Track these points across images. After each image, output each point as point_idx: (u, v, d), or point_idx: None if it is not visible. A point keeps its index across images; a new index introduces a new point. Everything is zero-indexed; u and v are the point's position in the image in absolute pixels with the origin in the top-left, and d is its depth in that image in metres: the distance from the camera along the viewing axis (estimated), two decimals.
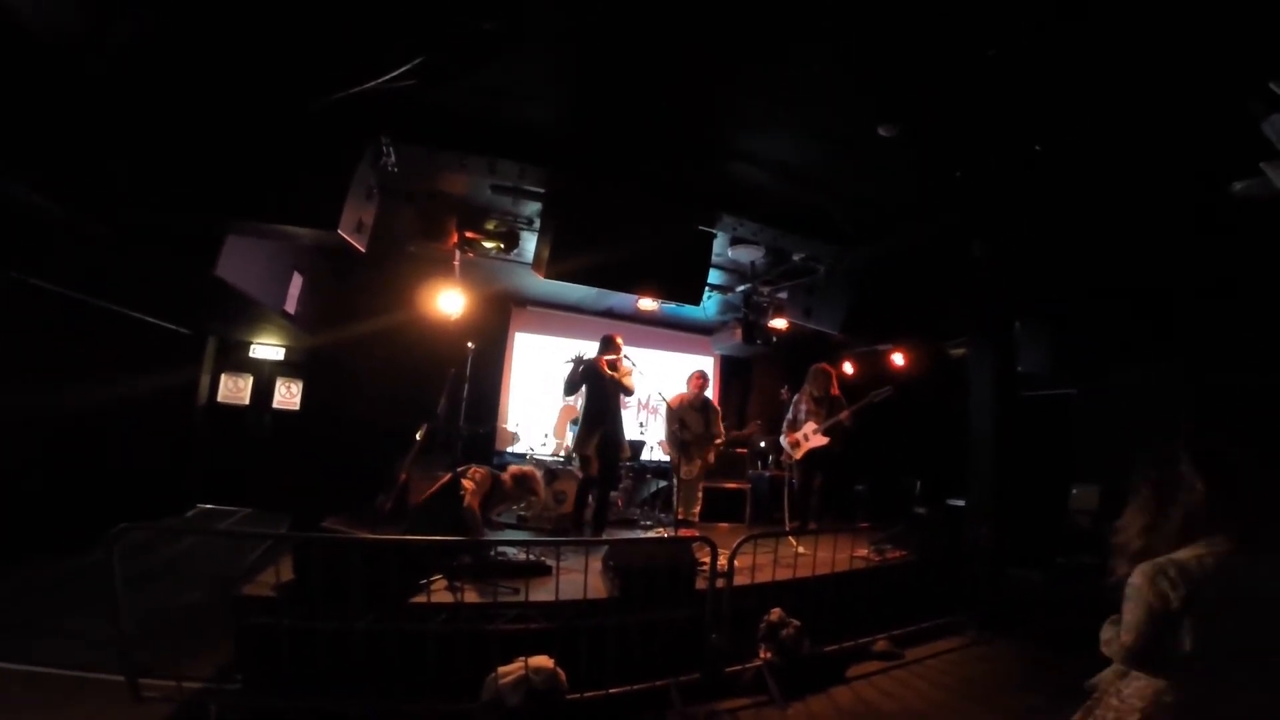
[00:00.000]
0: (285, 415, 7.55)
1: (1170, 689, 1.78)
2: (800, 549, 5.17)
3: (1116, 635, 1.92)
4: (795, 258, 6.39)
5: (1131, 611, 1.84)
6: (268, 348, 7.59)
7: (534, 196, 5.45)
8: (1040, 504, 6.44)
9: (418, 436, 5.56)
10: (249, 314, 6.31)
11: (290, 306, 6.15)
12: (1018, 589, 5.58)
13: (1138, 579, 1.85)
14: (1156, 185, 4.34)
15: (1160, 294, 5.59)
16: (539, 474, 5.02)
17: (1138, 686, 1.85)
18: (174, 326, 6.74)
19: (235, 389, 7.46)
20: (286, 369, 7.64)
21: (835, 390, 6.25)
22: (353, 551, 3.25)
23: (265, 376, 7.58)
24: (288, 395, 7.60)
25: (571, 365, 5.91)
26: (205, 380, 7.32)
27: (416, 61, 3.61)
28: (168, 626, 3.73)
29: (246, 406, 7.47)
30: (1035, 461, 6.50)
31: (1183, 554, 1.83)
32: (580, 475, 6.15)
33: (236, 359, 7.52)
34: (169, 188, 3.97)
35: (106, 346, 5.77)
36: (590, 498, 5.92)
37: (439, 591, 3.67)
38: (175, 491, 6.57)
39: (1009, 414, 6.27)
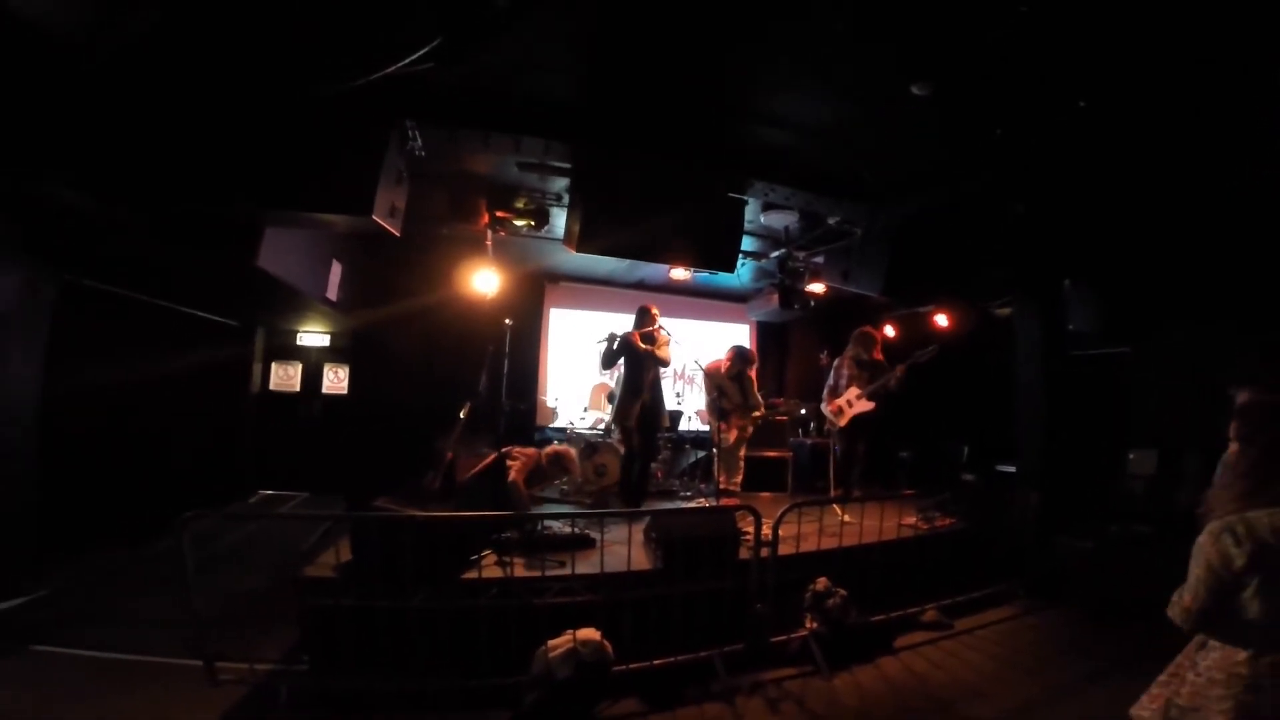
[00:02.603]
0: (334, 399, 7.82)
1: (1249, 660, 1.68)
2: (845, 517, 5.12)
3: (1175, 597, 1.84)
4: (830, 221, 6.20)
5: (1192, 570, 1.78)
6: (314, 335, 7.84)
7: (561, 172, 5.41)
8: (1092, 469, 6.18)
9: (461, 415, 5.68)
10: (293, 303, 6.52)
11: (332, 294, 6.30)
12: (1069, 557, 5.41)
13: (1203, 537, 1.78)
14: (1212, 135, 4.03)
15: (1217, 247, 5.21)
16: (574, 453, 5.08)
17: (1216, 658, 1.76)
18: (223, 319, 7.00)
19: (286, 376, 7.76)
20: (333, 354, 7.90)
21: (879, 354, 6.09)
22: (407, 529, 3.32)
23: (313, 363, 7.85)
24: (335, 380, 7.86)
25: (606, 342, 5.91)
26: (257, 369, 7.62)
27: (434, 44, 3.58)
28: (236, 610, 3.88)
29: (297, 393, 7.77)
30: (1087, 424, 6.22)
31: (1257, 512, 1.72)
32: (622, 449, 6.19)
33: (285, 347, 7.80)
34: (203, 182, 4.08)
35: (162, 342, 6.05)
36: (632, 469, 5.98)
37: (489, 567, 3.77)
38: (234, 479, 6.90)
39: (1058, 375, 6.01)
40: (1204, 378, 5.50)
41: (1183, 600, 1.79)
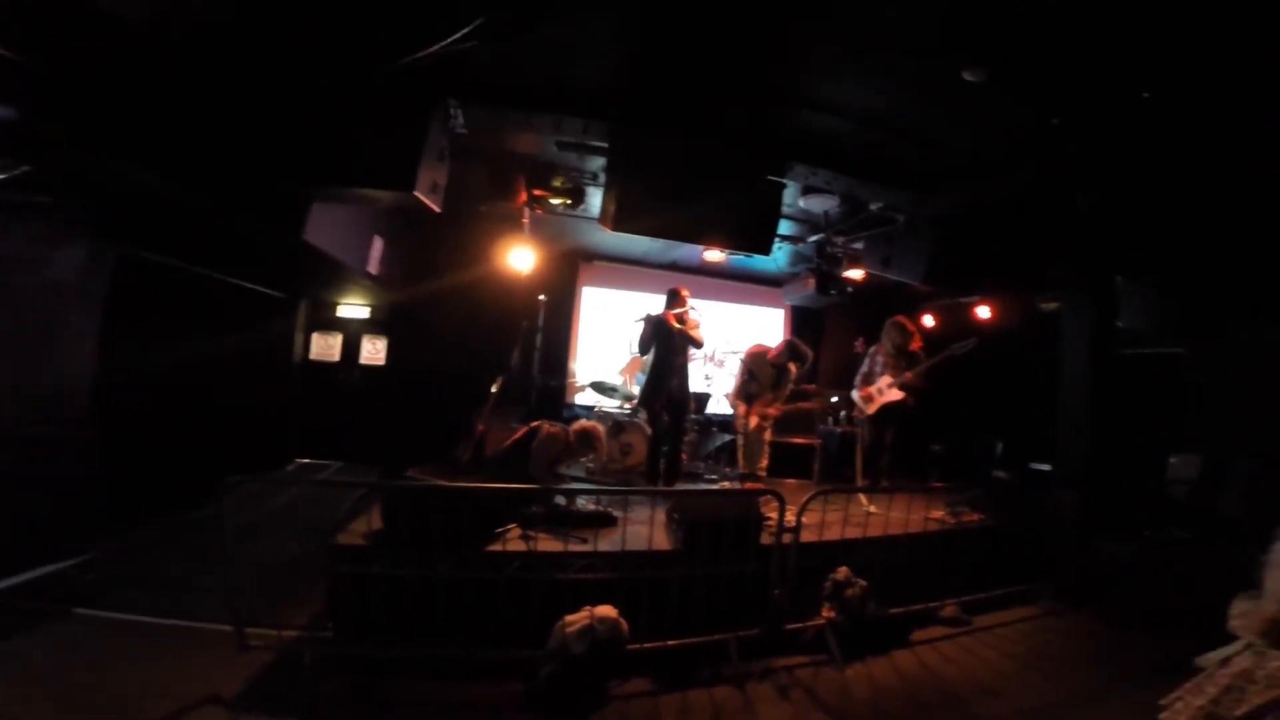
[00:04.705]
0: (372, 370, 8.07)
1: None
2: (871, 508, 5.09)
3: (1251, 608, 1.79)
4: (872, 207, 6.06)
5: (1276, 579, 1.73)
6: (354, 307, 8.07)
7: (598, 151, 5.42)
8: (1133, 472, 5.97)
9: (493, 389, 5.81)
10: (336, 276, 6.73)
11: (373, 268, 6.48)
12: (1101, 561, 5.26)
13: None
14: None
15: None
16: (602, 430, 5.13)
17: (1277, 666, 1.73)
18: (270, 291, 7.24)
19: (326, 347, 8.03)
20: (372, 326, 8.12)
21: (915, 345, 5.96)
22: (436, 499, 3.43)
23: (353, 334, 8.10)
24: (373, 351, 8.10)
25: (643, 325, 5.93)
26: (299, 339, 7.89)
27: (476, 23, 3.60)
28: (271, 576, 4.03)
29: (337, 363, 8.03)
30: (1133, 426, 5.99)
31: None
32: (649, 429, 6.25)
33: (326, 318, 8.06)
34: (259, 158, 4.24)
35: (212, 312, 6.30)
36: (661, 451, 6.03)
37: (513, 540, 3.87)
38: (275, 447, 7.17)
39: (1106, 373, 5.80)
40: (1260, 381, 5.26)
41: (1262, 611, 1.76)
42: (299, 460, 7.22)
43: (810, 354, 6.40)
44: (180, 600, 4.00)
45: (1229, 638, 1.94)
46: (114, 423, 5.15)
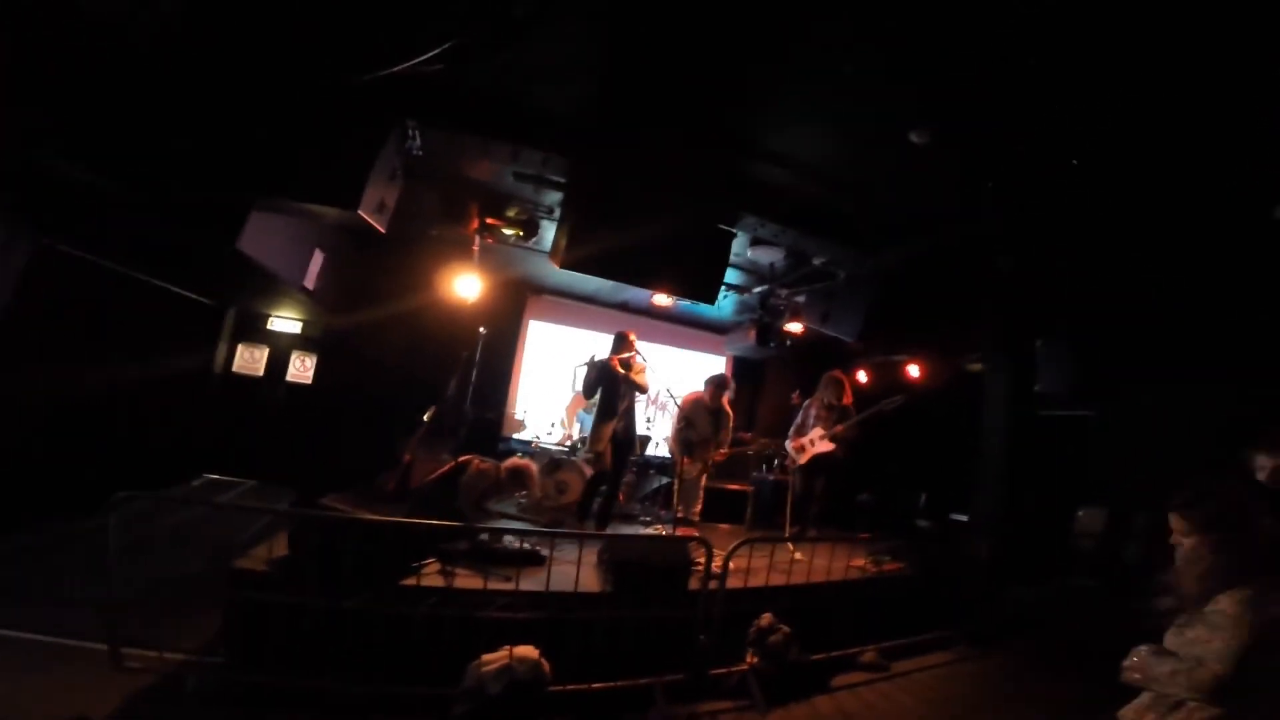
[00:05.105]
0: (298, 388, 7.65)
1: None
2: (797, 555, 5.15)
3: (1182, 667, 1.83)
4: (816, 262, 6.33)
5: (1228, 640, 1.75)
6: (285, 320, 7.68)
7: (555, 186, 5.46)
8: (1047, 524, 6.34)
9: (424, 418, 5.62)
10: (269, 287, 6.42)
11: (310, 282, 6.24)
12: (1013, 607, 5.52)
13: (1233, 607, 1.77)
14: (1193, 203, 4.23)
15: (1189, 312, 5.42)
16: (534, 468, 5.02)
17: (1188, 713, 1.78)
18: (196, 296, 6.84)
19: (251, 360, 7.56)
20: (302, 342, 7.73)
21: (848, 399, 6.17)
22: (347, 531, 3.26)
23: (281, 349, 7.68)
24: (301, 368, 7.70)
25: (587, 367, 5.91)
26: (223, 349, 7.44)
27: (446, 46, 3.63)
28: (163, 596, 3.74)
29: (260, 378, 7.58)
30: (1046, 482, 6.38)
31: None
32: (589, 470, 6.17)
33: (254, 330, 7.62)
34: (200, 162, 4.06)
35: (132, 314, 5.87)
36: (599, 492, 5.95)
37: (430, 575, 3.69)
38: (187, 458, 6.66)
39: (1022, 432, 6.17)
40: (1158, 442, 5.72)
41: (1211, 669, 1.76)
42: (207, 475, 6.68)
43: (731, 382, 6.51)
44: (55, 615, 3.61)
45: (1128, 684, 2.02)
46: (3, 418, 4.71)
